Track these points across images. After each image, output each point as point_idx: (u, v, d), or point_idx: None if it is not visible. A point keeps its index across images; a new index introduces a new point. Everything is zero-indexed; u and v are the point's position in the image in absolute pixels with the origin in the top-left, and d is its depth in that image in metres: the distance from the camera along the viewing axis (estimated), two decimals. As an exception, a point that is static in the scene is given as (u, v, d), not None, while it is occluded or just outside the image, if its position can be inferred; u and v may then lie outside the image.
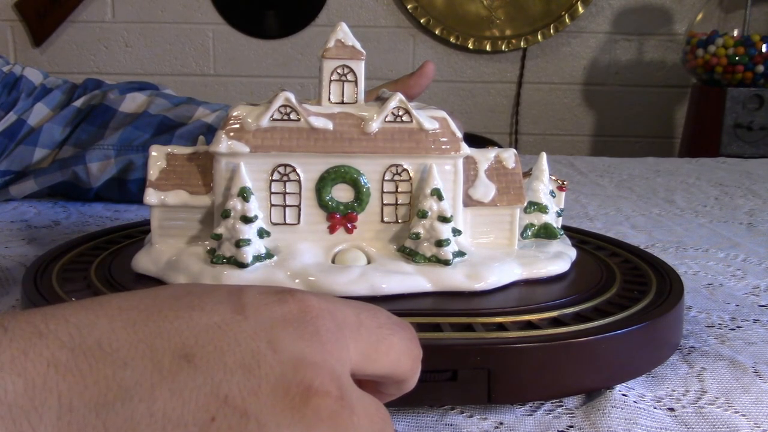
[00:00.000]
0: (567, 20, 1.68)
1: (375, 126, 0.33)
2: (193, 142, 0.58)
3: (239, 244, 0.32)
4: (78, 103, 0.67)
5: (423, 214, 0.33)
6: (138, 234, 0.43)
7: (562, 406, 0.29)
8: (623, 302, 0.33)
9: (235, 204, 0.32)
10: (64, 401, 0.17)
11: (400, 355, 0.22)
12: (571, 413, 0.28)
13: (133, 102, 0.67)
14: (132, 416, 0.17)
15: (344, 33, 0.35)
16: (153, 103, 0.67)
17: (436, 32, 1.69)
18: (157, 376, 0.18)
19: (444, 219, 0.33)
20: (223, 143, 0.33)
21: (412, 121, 0.34)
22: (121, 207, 0.65)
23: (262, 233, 0.33)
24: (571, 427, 0.28)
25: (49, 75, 0.72)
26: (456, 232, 0.34)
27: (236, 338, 0.19)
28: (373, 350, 0.21)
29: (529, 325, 0.30)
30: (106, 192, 0.66)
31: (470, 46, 1.70)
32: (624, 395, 0.30)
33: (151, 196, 0.34)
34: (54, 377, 0.17)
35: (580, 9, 1.68)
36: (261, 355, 0.19)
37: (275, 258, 0.33)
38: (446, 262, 0.33)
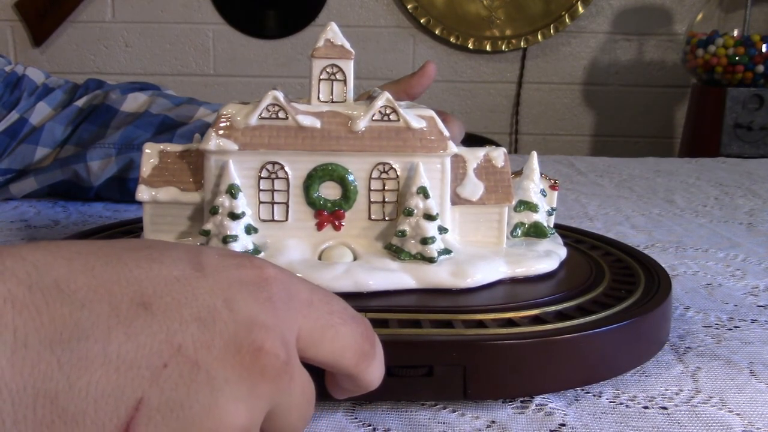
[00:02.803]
0: (567, 20, 1.68)
1: (362, 124, 0.34)
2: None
3: (226, 240, 0.32)
4: (80, 102, 0.68)
5: (409, 212, 0.33)
6: (137, 230, 0.44)
7: (555, 403, 0.29)
8: (608, 301, 0.33)
9: (224, 201, 0.33)
10: (19, 336, 0.17)
11: (346, 348, 0.22)
12: (564, 411, 0.29)
13: (134, 102, 0.67)
14: (87, 355, 0.17)
15: (334, 33, 0.35)
16: (154, 103, 0.67)
17: (436, 32, 1.69)
18: (114, 319, 0.18)
19: (429, 217, 0.33)
20: (213, 141, 0.33)
21: (399, 120, 0.34)
22: (120, 207, 0.66)
23: (249, 230, 0.33)
24: (564, 425, 0.28)
25: (50, 75, 0.72)
26: (442, 230, 0.34)
27: (194, 293, 0.19)
28: (318, 333, 0.22)
29: (509, 323, 0.30)
30: (106, 191, 0.66)
31: (470, 46, 1.71)
32: (616, 394, 0.30)
33: (143, 193, 0.35)
34: (10, 313, 0.17)
35: (580, 9, 1.68)
36: (217, 311, 0.19)
37: (262, 254, 0.33)
38: (431, 260, 0.33)
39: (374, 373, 0.24)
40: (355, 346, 0.22)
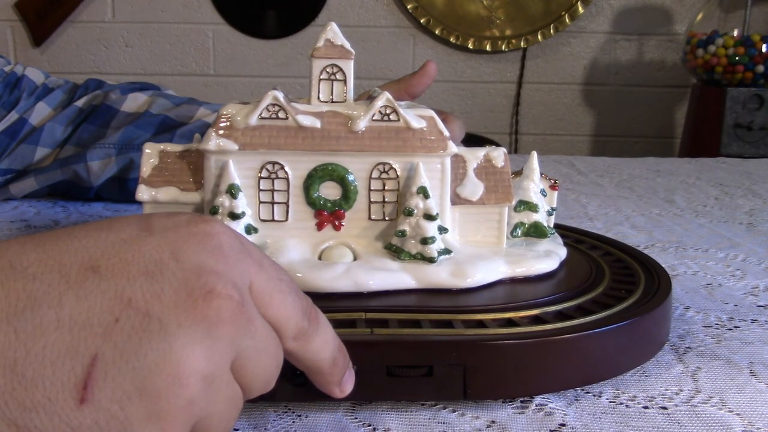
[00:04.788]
0: (567, 20, 1.69)
1: (362, 124, 0.34)
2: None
3: (227, 241, 0.32)
4: (80, 102, 0.68)
5: (409, 212, 0.33)
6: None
7: (555, 403, 0.29)
8: (608, 301, 0.33)
9: (224, 201, 0.33)
10: None
11: (289, 318, 0.22)
12: (564, 411, 0.29)
13: (134, 102, 0.67)
14: (41, 322, 0.18)
15: (334, 33, 0.35)
16: (154, 103, 0.67)
17: (436, 32, 1.70)
18: (64, 285, 0.19)
19: (429, 217, 0.33)
20: (213, 141, 0.33)
21: (399, 120, 0.34)
22: (120, 207, 0.66)
23: (249, 230, 0.33)
24: (564, 425, 0.28)
25: (50, 75, 0.72)
26: (442, 230, 0.34)
27: (140, 250, 0.20)
28: (267, 294, 0.22)
29: (509, 323, 0.30)
30: (106, 191, 0.66)
31: (470, 46, 1.71)
32: (616, 394, 0.30)
33: (143, 193, 0.35)
34: None
35: (580, 9, 1.68)
36: (164, 263, 0.20)
37: (262, 255, 0.33)
38: (431, 260, 0.33)
39: (320, 353, 0.24)
40: (296, 318, 0.23)
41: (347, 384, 0.26)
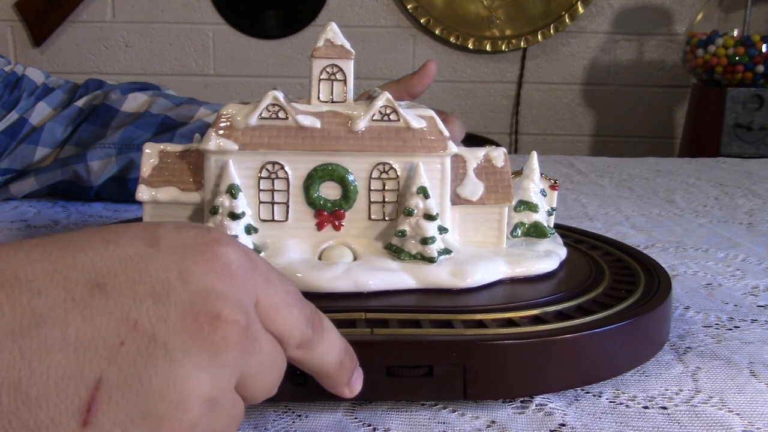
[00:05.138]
0: (567, 20, 1.69)
1: (362, 124, 0.34)
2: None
3: (226, 240, 0.32)
4: (80, 102, 0.68)
5: (409, 212, 0.33)
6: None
7: (555, 403, 0.29)
8: (608, 301, 0.33)
9: (223, 201, 0.33)
10: None
11: (293, 328, 0.22)
12: (564, 411, 0.29)
13: (134, 102, 0.67)
14: (45, 341, 0.18)
15: (334, 33, 0.35)
16: (154, 103, 0.67)
17: (436, 32, 1.70)
18: (70, 303, 0.18)
19: (429, 217, 0.33)
20: (213, 141, 0.33)
21: (399, 120, 0.34)
22: (120, 207, 0.66)
23: (249, 230, 0.33)
24: (564, 425, 0.28)
25: (50, 75, 0.72)
26: (442, 230, 0.34)
27: (147, 269, 0.20)
28: (274, 309, 0.22)
29: (509, 323, 0.30)
30: (106, 191, 0.66)
31: (470, 46, 1.71)
32: (616, 394, 0.30)
33: (143, 193, 0.35)
34: None
35: (580, 9, 1.68)
36: (171, 284, 0.19)
37: (262, 254, 0.33)
38: (431, 260, 0.33)
39: (325, 358, 0.24)
40: (301, 328, 0.23)
41: (356, 384, 0.26)
